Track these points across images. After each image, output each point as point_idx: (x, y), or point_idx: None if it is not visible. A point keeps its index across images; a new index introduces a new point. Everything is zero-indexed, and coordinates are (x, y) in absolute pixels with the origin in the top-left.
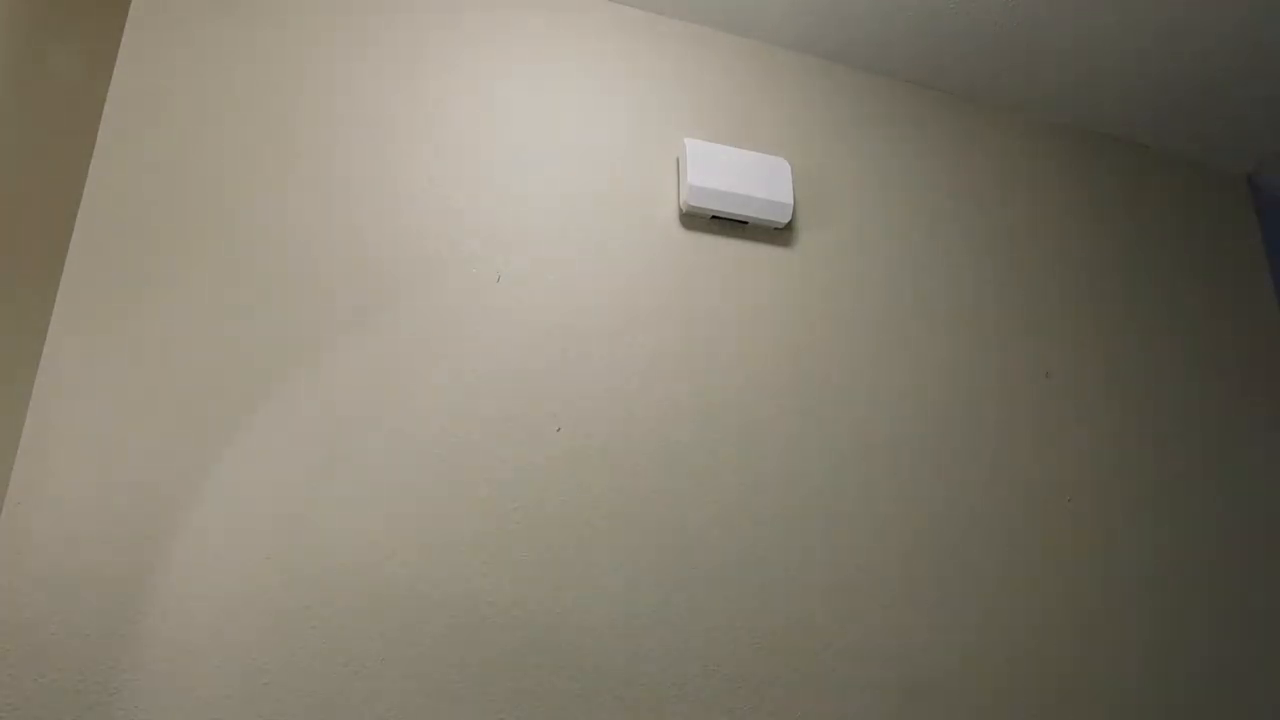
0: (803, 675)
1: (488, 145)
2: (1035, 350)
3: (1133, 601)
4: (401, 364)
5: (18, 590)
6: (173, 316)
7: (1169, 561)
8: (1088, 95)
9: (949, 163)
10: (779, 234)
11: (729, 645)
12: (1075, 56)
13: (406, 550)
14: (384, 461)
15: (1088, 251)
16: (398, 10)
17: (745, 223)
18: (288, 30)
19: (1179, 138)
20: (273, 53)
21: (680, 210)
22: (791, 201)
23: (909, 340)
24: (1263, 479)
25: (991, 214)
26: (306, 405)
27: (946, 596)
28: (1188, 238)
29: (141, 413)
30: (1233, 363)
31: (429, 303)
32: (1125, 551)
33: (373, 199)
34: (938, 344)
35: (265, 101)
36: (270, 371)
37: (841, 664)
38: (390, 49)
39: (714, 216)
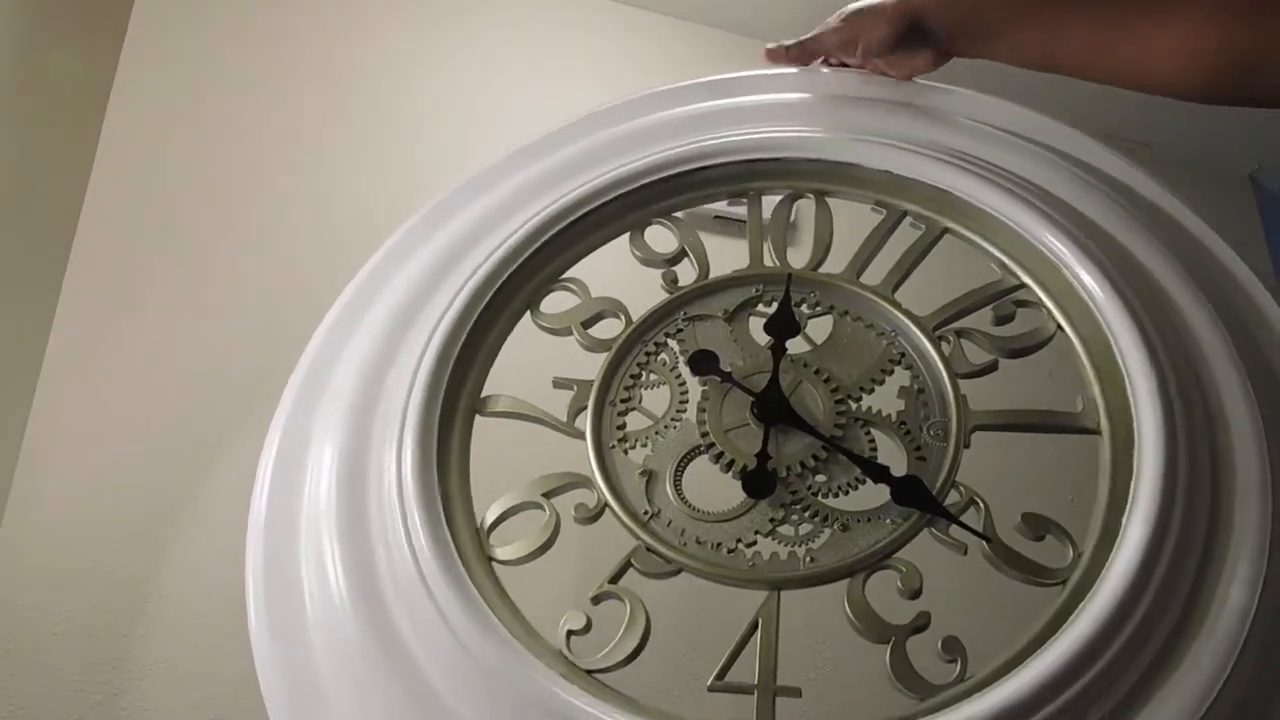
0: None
1: (498, 148)
2: None
3: None
4: None
5: (20, 589)
6: (175, 316)
7: None
8: (1088, 95)
9: None
10: None
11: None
12: None
13: None
14: None
15: None
16: (411, 10)
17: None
18: (294, 31)
19: (1180, 137)
20: (281, 54)
21: None
22: None
23: None
24: None
25: None
26: None
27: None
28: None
29: (142, 412)
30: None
31: None
32: None
33: (381, 201)
34: None
35: (272, 102)
36: (272, 371)
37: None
38: (404, 50)
39: (716, 216)
